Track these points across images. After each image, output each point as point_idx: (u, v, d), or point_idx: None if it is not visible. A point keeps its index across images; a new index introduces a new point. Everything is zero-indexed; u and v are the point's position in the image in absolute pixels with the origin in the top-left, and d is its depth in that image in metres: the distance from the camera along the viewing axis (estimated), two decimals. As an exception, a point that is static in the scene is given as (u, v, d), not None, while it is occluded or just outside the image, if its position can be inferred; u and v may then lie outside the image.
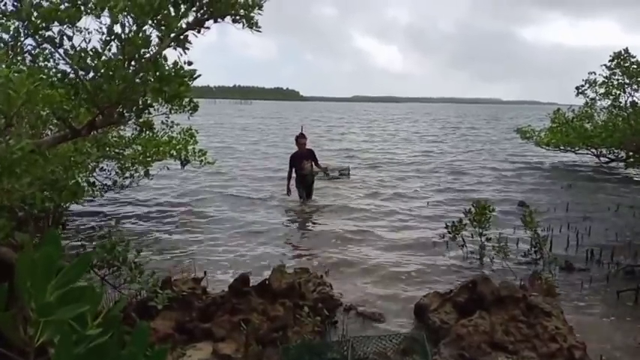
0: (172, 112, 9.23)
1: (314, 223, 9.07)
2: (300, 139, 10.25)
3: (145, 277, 3.78)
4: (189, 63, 3.60)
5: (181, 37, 3.54)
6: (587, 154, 15.38)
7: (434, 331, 4.27)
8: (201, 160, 9.76)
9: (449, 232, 6.66)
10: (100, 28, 3.39)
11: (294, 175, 10.27)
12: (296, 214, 9.77)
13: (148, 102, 3.71)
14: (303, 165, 10.07)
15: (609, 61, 9.75)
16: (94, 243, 3.99)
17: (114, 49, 3.44)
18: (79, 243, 6.66)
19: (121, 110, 3.68)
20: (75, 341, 1.04)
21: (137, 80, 3.58)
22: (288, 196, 10.29)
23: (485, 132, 37.58)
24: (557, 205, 10.30)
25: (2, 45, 3.83)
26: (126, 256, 3.68)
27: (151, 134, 9.29)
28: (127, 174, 9.01)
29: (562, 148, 15.68)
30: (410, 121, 55.71)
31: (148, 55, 3.53)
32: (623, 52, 9.58)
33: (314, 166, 10.33)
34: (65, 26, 3.35)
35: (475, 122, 54.30)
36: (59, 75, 3.67)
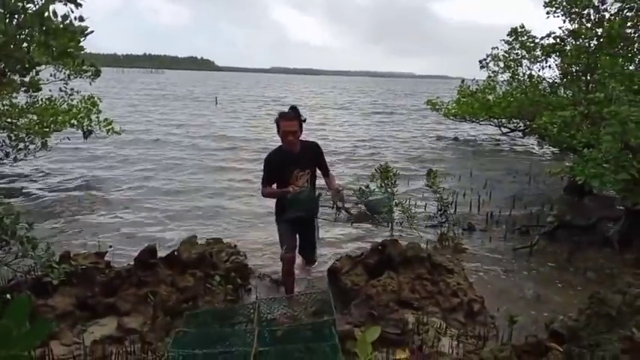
0: (71, 77, 8.56)
1: (233, 199, 8.79)
2: (287, 121, 4.13)
3: (39, 252, 3.49)
4: (81, 19, 3.30)
5: (72, -11, 3.21)
6: (490, 124, 16.31)
7: (345, 293, 4.37)
8: (108, 130, 9.18)
9: (357, 198, 6.80)
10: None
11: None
12: (213, 194, 9.22)
13: (35, 60, 3.37)
14: (296, 177, 4.25)
15: (507, 35, 10.38)
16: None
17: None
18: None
19: (2, 68, 3.33)
20: None
21: (21, 36, 3.24)
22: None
23: (398, 105, 38.70)
24: (462, 172, 10.90)
25: None
26: (15, 230, 3.36)
27: (48, 102, 8.59)
28: (22, 145, 8.31)
29: (467, 119, 16.49)
30: (333, 93, 56.10)
31: (33, 8, 3.19)
32: (519, 27, 10.20)
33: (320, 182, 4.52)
34: None
35: (389, 95, 55.74)
36: None
